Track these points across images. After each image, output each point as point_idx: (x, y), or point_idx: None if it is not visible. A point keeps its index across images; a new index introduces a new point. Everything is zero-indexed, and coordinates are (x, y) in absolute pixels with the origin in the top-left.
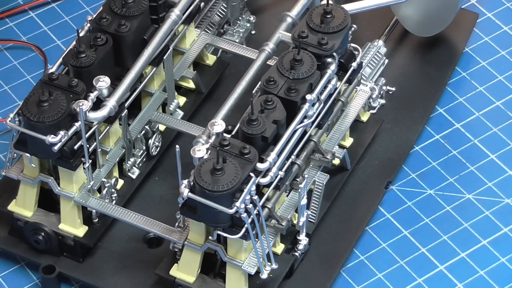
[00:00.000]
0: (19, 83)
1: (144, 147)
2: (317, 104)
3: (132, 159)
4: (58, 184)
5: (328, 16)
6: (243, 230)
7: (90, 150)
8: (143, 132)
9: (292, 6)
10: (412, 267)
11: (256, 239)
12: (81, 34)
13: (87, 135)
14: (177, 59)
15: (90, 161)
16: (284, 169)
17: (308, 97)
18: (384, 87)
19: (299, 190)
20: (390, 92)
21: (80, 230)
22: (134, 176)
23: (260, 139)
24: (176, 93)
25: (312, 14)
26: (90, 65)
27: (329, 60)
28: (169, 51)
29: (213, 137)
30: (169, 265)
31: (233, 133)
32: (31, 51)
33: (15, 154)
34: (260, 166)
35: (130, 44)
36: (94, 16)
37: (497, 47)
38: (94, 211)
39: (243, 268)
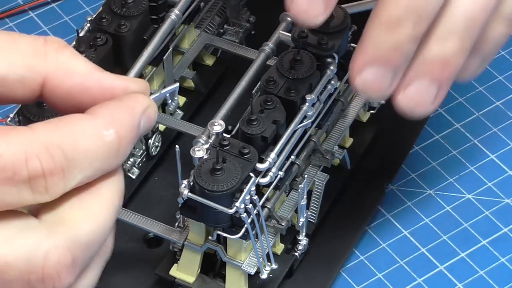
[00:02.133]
0: None
1: (144, 147)
2: (317, 104)
3: (131, 159)
4: None
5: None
6: (243, 230)
7: None
8: None
9: None
10: (412, 267)
11: (256, 239)
12: (81, 34)
13: None
14: (177, 59)
15: None
16: (284, 169)
17: (308, 97)
18: None
19: (299, 190)
20: None
21: None
22: (134, 176)
23: (260, 139)
24: None
25: None
26: None
27: (329, 60)
28: (169, 51)
29: (213, 137)
30: (169, 265)
31: (233, 133)
32: None
33: None
34: (260, 166)
35: (130, 44)
36: (94, 16)
37: None
38: None
39: (243, 268)
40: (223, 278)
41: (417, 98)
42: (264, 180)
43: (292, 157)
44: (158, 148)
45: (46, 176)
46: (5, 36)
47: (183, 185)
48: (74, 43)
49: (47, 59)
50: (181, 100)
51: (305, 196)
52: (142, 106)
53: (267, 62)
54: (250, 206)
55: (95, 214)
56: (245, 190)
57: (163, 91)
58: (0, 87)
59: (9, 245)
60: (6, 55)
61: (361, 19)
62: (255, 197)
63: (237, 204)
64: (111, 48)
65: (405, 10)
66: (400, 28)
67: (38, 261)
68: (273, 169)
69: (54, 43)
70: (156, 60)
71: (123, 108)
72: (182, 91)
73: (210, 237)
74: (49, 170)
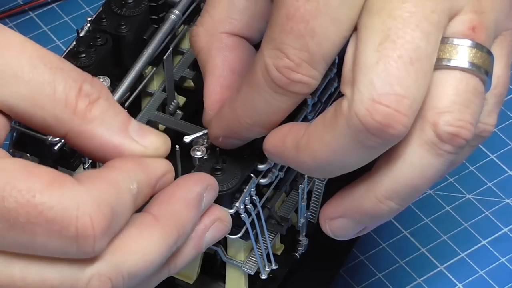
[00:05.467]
0: None
1: None
2: (317, 105)
3: None
4: None
5: None
6: (243, 230)
7: None
8: None
9: None
10: (412, 267)
11: (256, 239)
12: (81, 34)
13: None
14: (177, 59)
15: (90, 161)
16: (284, 170)
17: (308, 97)
18: None
19: (299, 190)
20: None
21: None
22: None
23: (260, 139)
24: (176, 93)
25: None
26: (90, 65)
27: None
28: (169, 51)
29: None
30: None
31: None
32: None
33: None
34: (260, 166)
35: (130, 44)
36: (94, 16)
37: None
38: None
39: (242, 269)
40: (223, 278)
41: (341, 230)
42: (264, 180)
43: None
44: None
45: (95, 236)
46: (47, 76)
47: None
48: (74, 43)
49: (74, 116)
50: (181, 100)
51: (305, 196)
52: (160, 172)
53: None
54: (250, 206)
55: (145, 250)
56: (246, 190)
57: (195, 135)
58: (29, 123)
59: (56, 269)
60: (42, 97)
61: None
62: (255, 197)
63: (237, 204)
64: (111, 48)
65: None
66: None
67: (81, 286)
68: (274, 170)
69: (87, 96)
70: (156, 60)
71: (142, 167)
72: (182, 91)
73: None
74: (99, 230)
